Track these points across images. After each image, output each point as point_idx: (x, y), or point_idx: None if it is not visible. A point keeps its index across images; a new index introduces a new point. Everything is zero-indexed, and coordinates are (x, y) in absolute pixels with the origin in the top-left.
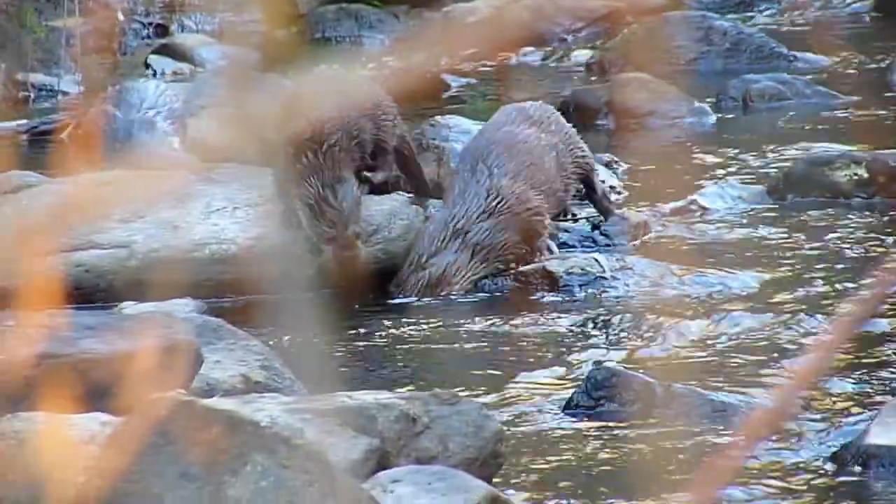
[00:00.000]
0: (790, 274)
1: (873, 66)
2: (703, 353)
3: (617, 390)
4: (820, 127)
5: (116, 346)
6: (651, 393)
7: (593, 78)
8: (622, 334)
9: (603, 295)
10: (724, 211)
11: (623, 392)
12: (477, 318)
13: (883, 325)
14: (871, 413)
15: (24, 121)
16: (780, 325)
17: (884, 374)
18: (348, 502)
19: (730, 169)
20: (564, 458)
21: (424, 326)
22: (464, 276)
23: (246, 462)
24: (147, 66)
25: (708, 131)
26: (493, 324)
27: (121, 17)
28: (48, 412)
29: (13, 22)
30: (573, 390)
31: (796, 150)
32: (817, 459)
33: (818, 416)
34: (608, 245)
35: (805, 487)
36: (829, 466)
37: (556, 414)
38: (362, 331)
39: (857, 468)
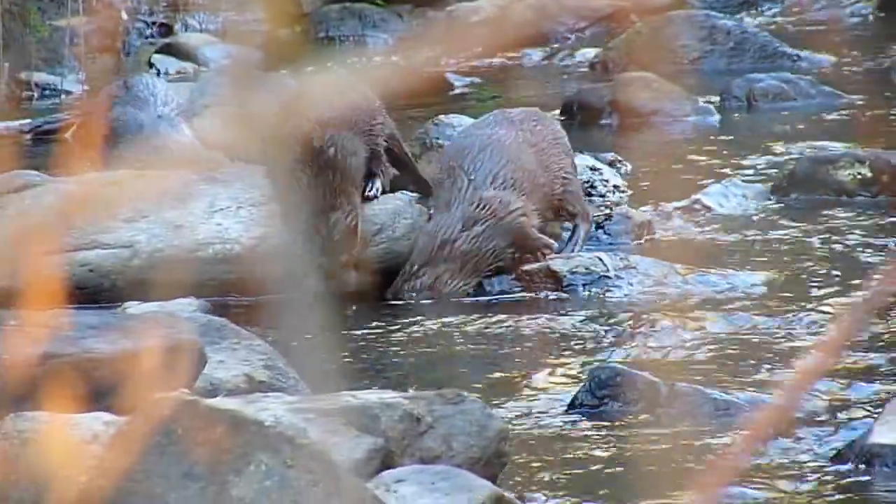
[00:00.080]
0: (794, 273)
1: (877, 65)
2: (707, 353)
3: (621, 389)
4: (824, 126)
5: (120, 346)
6: (655, 392)
7: (597, 77)
8: (626, 333)
9: (607, 294)
10: (727, 210)
11: (627, 391)
12: (481, 318)
13: (886, 323)
14: (874, 412)
15: (28, 120)
16: (784, 323)
17: (887, 372)
18: (352, 502)
19: (734, 168)
20: (568, 457)
21: (428, 326)
22: (454, 286)
23: (250, 462)
24: (151, 65)
25: (712, 130)
26: (497, 323)
27: (124, 16)
28: (51, 412)
29: (17, 21)
30: (577, 389)
31: (800, 149)
32: (821, 458)
33: (822, 415)
34: (612, 244)
35: (808, 486)
36: (833, 465)
37: (560, 413)
38: (366, 330)
39: (861, 467)
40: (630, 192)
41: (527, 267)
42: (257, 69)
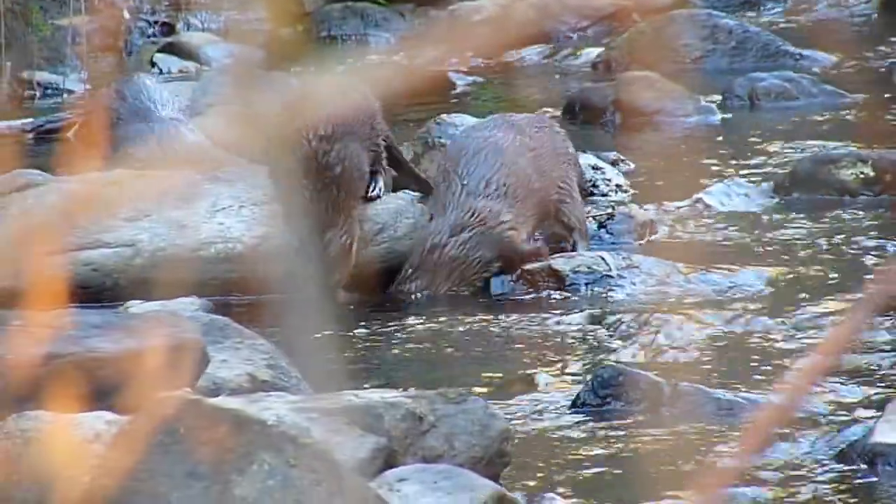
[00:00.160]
0: (796, 272)
1: (880, 64)
2: (710, 352)
3: (623, 389)
4: (826, 125)
5: (123, 345)
6: (658, 391)
7: (599, 76)
8: (628, 333)
9: (609, 293)
10: (730, 209)
11: (629, 391)
12: (483, 317)
13: (888, 322)
14: (876, 411)
15: (30, 119)
16: (787, 323)
17: (889, 372)
18: (355, 501)
19: (736, 167)
20: (571, 456)
21: (430, 325)
22: (443, 291)
23: (253, 461)
24: (153, 64)
25: (714, 130)
26: (499, 322)
27: (126, 15)
28: (54, 411)
29: (19, 20)
30: (580, 389)
31: (802, 148)
32: (823, 458)
33: (824, 415)
34: (614, 243)
35: (811, 486)
36: (836, 465)
37: (562, 412)
38: (368, 329)
39: (864, 466)
40: (632, 192)
41: (529, 266)
42: (259, 68)
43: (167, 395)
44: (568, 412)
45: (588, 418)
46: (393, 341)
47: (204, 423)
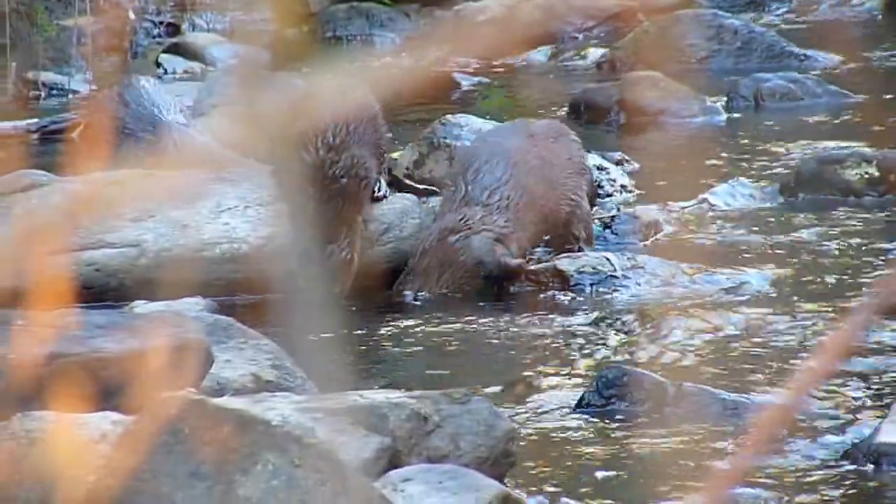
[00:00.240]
0: (801, 272)
1: (884, 65)
2: (714, 353)
3: (628, 389)
4: (831, 126)
5: (127, 345)
6: (662, 392)
7: (604, 76)
8: (633, 333)
9: (614, 294)
10: (735, 209)
11: (634, 391)
12: (488, 317)
13: (894, 324)
14: (882, 411)
15: (35, 120)
16: (791, 323)
17: (895, 372)
18: (360, 501)
19: (741, 167)
20: (575, 457)
21: (435, 325)
22: (434, 292)
23: (257, 461)
24: (158, 64)
25: (719, 130)
26: (503, 322)
27: (132, 15)
28: (59, 411)
29: (24, 20)
30: (584, 389)
31: (807, 148)
32: (829, 458)
33: (829, 415)
34: (619, 244)
35: (817, 486)
36: (841, 465)
37: (567, 413)
38: (373, 329)
39: (869, 466)
40: (637, 192)
41: (533, 266)
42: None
43: (171, 395)
44: (573, 412)
45: (593, 419)
46: (398, 341)
47: (208, 423)
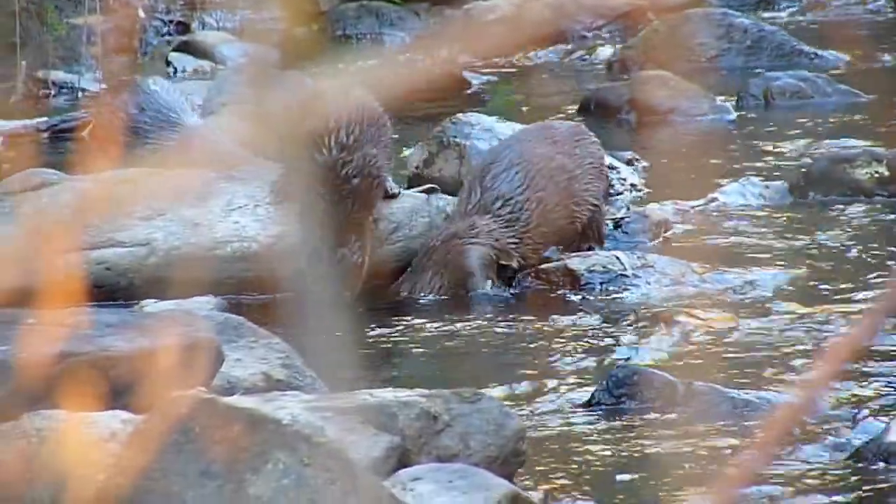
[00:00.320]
0: (811, 272)
1: (894, 63)
2: (724, 352)
3: (638, 388)
4: (841, 124)
5: (137, 344)
6: (672, 391)
7: (614, 75)
8: (643, 332)
9: (624, 293)
10: (745, 208)
11: (644, 390)
12: (498, 316)
13: None
14: (891, 410)
15: (45, 118)
16: (802, 322)
17: None
18: (369, 500)
19: (751, 166)
20: (585, 456)
21: (445, 324)
22: (431, 294)
23: (267, 460)
24: (168, 63)
25: (729, 129)
26: (514, 322)
27: (142, 14)
28: (69, 410)
29: (34, 20)
30: (594, 388)
31: (817, 147)
32: (838, 457)
33: (839, 414)
34: (629, 243)
35: (827, 485)
36: (851, 464)
37: (577, 412)
38: (383, 328)
39: (880, 465)
40: (647, 191)
41: (544, 266)
42: (274, 67)
43: (181, 394)
44: (583, 411)
45: (603, 418)
46: (407, 340)
47: (218, 422)
